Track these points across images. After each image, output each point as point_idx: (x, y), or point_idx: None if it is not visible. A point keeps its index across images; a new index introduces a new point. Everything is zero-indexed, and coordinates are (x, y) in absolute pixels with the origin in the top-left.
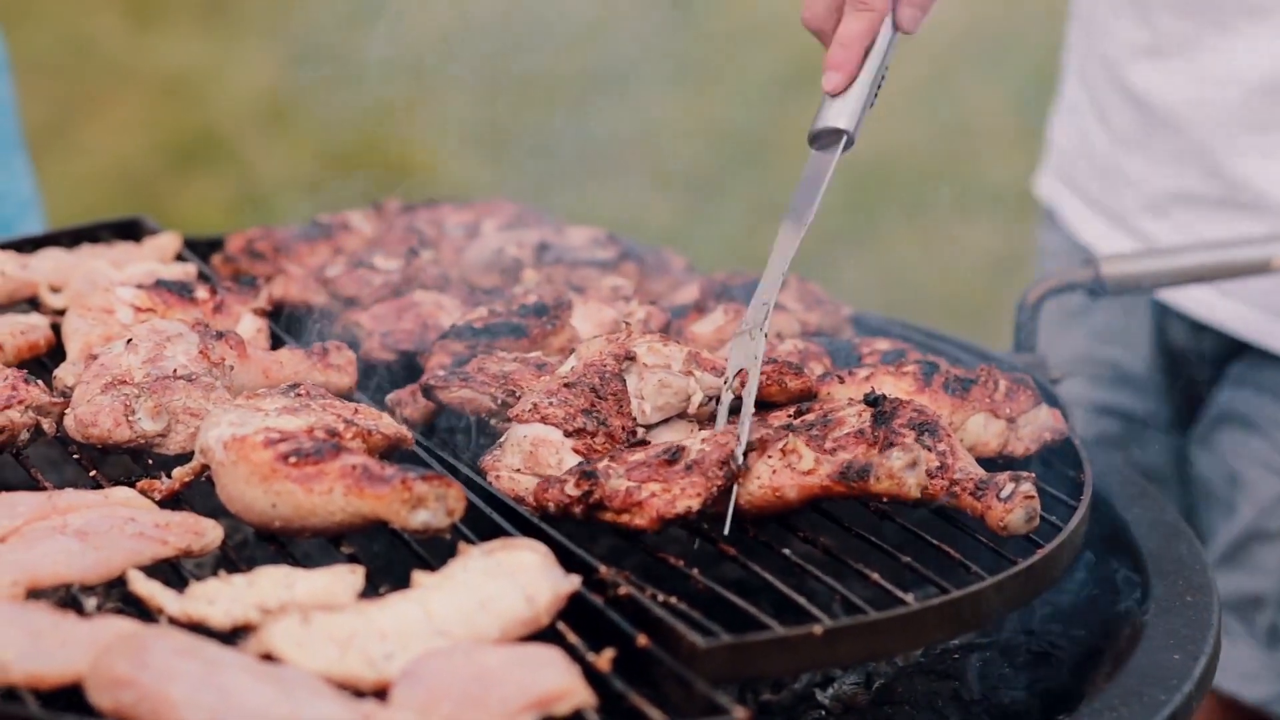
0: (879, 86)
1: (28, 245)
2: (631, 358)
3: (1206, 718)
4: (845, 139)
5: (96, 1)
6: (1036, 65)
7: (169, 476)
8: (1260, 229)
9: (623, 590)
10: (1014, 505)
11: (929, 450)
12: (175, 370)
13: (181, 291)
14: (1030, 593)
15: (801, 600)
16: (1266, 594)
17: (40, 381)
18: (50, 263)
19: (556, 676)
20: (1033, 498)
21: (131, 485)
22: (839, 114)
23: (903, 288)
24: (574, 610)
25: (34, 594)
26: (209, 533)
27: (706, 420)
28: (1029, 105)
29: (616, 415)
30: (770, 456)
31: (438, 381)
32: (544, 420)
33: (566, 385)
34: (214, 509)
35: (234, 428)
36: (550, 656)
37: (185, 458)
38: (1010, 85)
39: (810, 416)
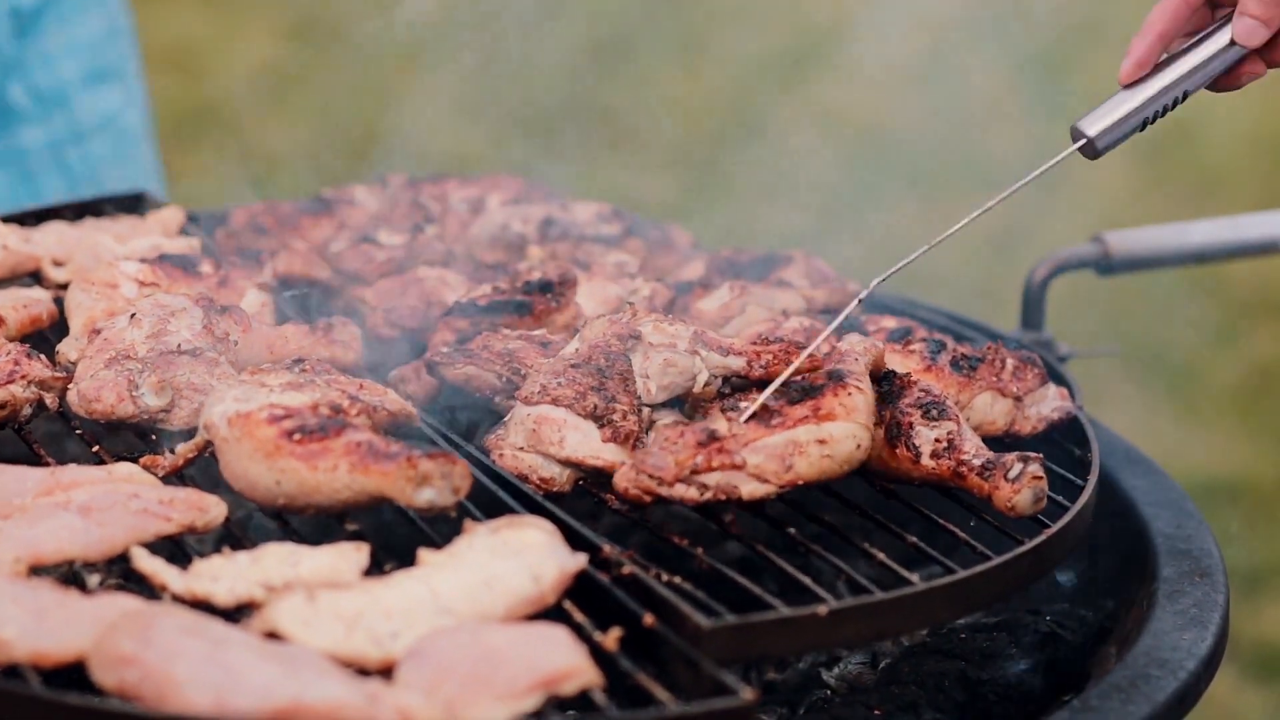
0: (1166, 108)
1: (30, 219)
2: (637, 337)
3: None
4: (1087, 144)
5: None
6: (1040, 39)
7: (172, 452)
8: None
9: (627, 570)
10: (1022, 486)
11: (936, 426)
12: (179, 345)
13: (185, 266)
14: (1037, 572)
15: (806, 580)
16: None
17: (43, 356)
18: (53, 236)
19: (563, 656)
20: (1040, 478)
21: (135, 461)
22: (1090, 119)
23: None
24: (580, 589)
25: (36, 571)
26: (213, 509)
27: (712, 399)
28: (1032, 79)
29: (624, 394)
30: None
31: (442, 358)
32: (554, 401)
33: (573, 366)
34: (217, 485)
35: (238, 403)
36: (557, 635)
37: (189, 433)
38: (1013, 59)
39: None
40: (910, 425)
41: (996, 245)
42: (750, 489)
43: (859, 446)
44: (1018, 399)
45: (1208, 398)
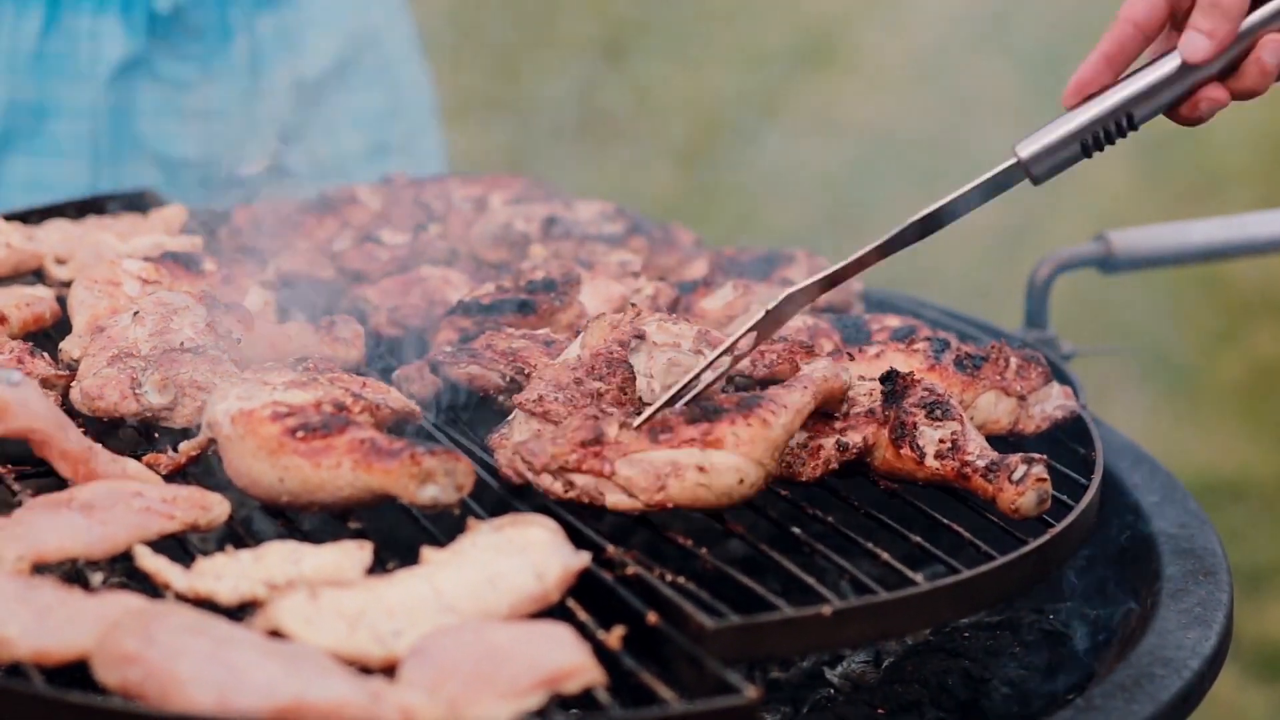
0: (1107, 134)
1: (33, 217)
2: (641, 336)
3: None
4: (1021, 166)
5: None
6: (1042, 37)
7: (175, 450)
8: None
9: (630, 570)
10: (1026, 488)
11: (940, 427)
12: (182, 343)
13: (188, 264)
14: (1041, 572)
15: (810, 580)
16: None
17: (46, 354)
18: (56, 234)
19: (567, 654)
20: (1044, 480)
21: (138, 459)
22: (1027, 141)
23: (909, 263)
24: (584, 587)
25: (39, 569)
26: (216, 507)
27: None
28: (1034, 77)
29: (620, 406)
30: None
31: (446, 357)
32: (545, 415)
33: (576, 381)
34: (220, 483)
35: (241, 401)
36: (560, 634)
37: (192, 431)
38: (1016, 56)
39: None
40: (914, 425)
41: (999, 244)
42: (615, 500)
43: (742, 481)
44: (1021, 398)
45: (1210, 396)
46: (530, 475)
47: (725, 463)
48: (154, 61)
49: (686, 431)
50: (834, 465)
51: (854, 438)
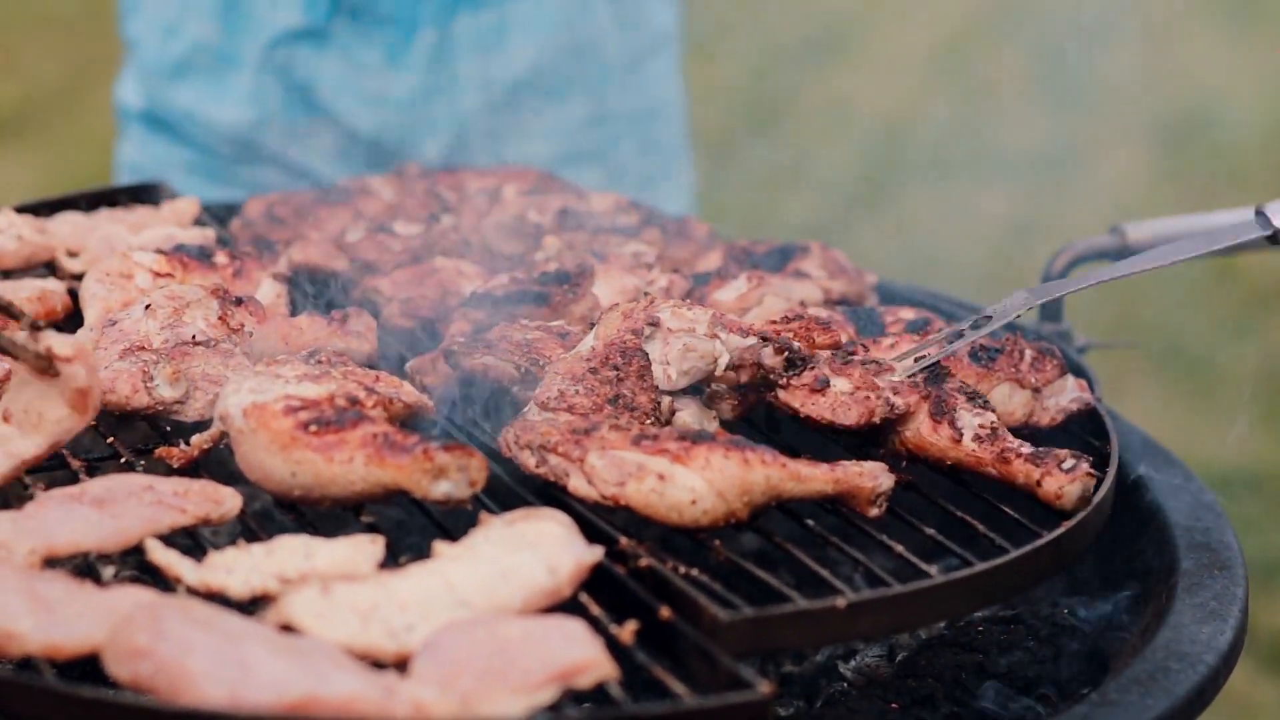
0: None
1: (45, 209)
2: (655, 324)
3: None
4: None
5: None
6: (1055, 29)
7: (187, 444)
8: None
9: (643, 562)
10: (1076, 477)
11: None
12: (194, 336)
13: (201, 256)
14: (1056, 565)
15: (824, 572)
16: None
17: None
18: (67, 227)
19: (579, 649)
20: (1093, 476)
21: (149, 452)
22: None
23: (922, 254)
24: (596, 581)
25: (51, 562)
26: (227, 501)
27: (729, 389)
28: (1047, 69)
29: (641, 392)
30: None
31: (460, 348)
32: (571, 410)
33: (591, 371)
34: (232, 476)
35: (254, 395)
36: (573, 628)
37: (203, 425)
38: (1028, 49)
39: (859, 357)
40: (955, 406)
41: (1013, 236)
42: (576, 484)
43: (694, 503)
44: (1036, 390)
45: (1224, 388)
46: (516, 449)
47: (685, 480)
48: (339, 38)
49: (669, 444)
50: (876, 419)
51: (899, 400)
